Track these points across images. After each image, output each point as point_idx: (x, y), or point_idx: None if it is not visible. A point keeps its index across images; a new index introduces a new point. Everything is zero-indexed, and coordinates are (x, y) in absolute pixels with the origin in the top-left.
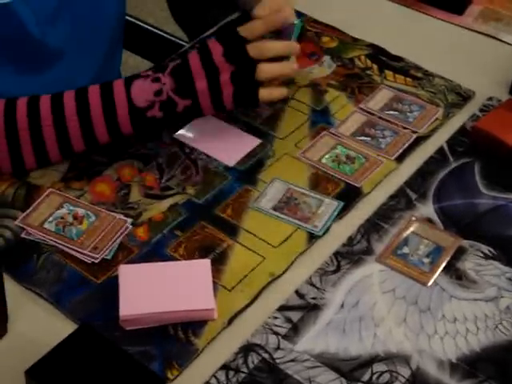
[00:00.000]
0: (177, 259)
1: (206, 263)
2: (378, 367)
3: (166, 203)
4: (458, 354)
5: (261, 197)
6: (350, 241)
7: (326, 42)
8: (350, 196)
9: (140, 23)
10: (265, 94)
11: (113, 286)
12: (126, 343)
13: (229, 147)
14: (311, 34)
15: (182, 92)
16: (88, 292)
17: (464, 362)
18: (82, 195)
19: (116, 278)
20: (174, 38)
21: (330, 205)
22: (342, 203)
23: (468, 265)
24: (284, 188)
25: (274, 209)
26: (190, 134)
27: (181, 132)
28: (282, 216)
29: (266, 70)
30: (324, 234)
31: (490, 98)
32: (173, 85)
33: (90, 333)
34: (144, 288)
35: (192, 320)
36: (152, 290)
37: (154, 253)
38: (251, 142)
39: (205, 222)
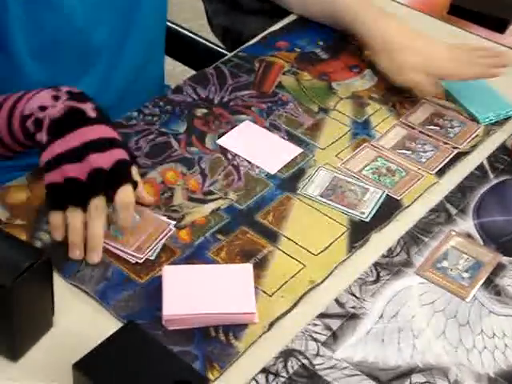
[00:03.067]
0: (218, 263)
1: (247, 268)
2: (417, 378)
3: (208, 207)
4: (496, 368)
5: (308, 184)
6: (390, 252)
7: (367, 55)
8: (389, 208)
9: (180, 29)
10: None
11: (156, 285)
12: (169, 342)
13: (271, 155)
14: (353, 47)
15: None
16: (132, 291)
17: (502, 377)
18: None
19: (159, 278)
20: (215, 46)
21: (375, 193)
22: (386, 192)
23: (507, 281)
24: (330, 176)
25: (321, 196)
26: (233, 141)
27: (224, 138)
28: (329, 202)
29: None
30: (371, 220)
31: None
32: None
33: (136, 330)
34: (187, 289)
35: (233, 323)
36: (195, 292)
37: (197, 255)
38: (293, 151)
39: (246, 227)
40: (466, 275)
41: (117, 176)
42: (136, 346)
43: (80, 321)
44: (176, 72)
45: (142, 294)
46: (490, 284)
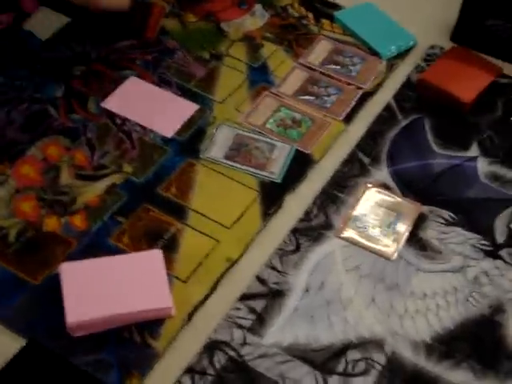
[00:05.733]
0: (122, 249)
1: (157, 254)
2: (352, 355)
3: (101, 185)
4: (431, 333)
5: (210, 145)
6: (307, 215)
7: None
8: (300, 165)
9: None
10: None
11: (54, 286)
12: (77, 352)
13: (165, 115)
14: None
15: None
16: (27, 295)
17: (439, 342)
18: (5, 181)
19: (56, 276)
20: None
21: (283, 148)
22: (295, 147)
23: (430, 233)
24: (232, 134)
25: (227, 158)
26: (119, 102)
27: (108, 100)
28: (236, 165)
29: None
30: (282, 181)
31: (432, 47)
32: None
33: (37, 349)
34: (91, 288)
35: (148, 320)
36: (100, 290)
37: (96, 244)
38: (189, 108)
39: (148, 204)
40: (387, 231)
41: None
42: (39, 368)
43: None
44: None
45: (39, 299)
46: (414, 238)
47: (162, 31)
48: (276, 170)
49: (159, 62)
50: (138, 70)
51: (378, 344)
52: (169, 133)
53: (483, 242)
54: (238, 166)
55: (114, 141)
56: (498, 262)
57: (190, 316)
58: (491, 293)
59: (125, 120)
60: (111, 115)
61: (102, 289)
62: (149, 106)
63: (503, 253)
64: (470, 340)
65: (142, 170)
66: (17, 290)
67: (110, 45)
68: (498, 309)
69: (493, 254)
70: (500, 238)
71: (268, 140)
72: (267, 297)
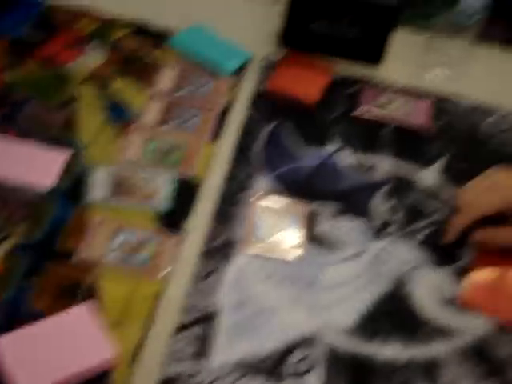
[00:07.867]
0: (46, 311)
1: (83, 309)
2: (295, 357)
3: None
4: (354, 317)
5: (91, 189)
6: (210, 236)
7: (83, 27)
8: (188, 189)
9: None
10: None
11: None
12: None
13: (37, 168)
14: (64, 23)
15: None
16: None
17: (364, 324)
18: None
19: None
20: None
21: (163, 176)
22: (174, 172)
23: (323, 227)
24: (110, 172)
25: (111, 196)
26: None
27: None
28: (123, 202)
29: None
30: (175, 208)
31: (267, 56)
32: None
33: None
34: (34, 357)
35: (95, 374)
36: (42, 357)
37: (17, 312)
38: (60, 155)
39: (53, 260)
40: (286, 235)
41: None
42: None
43: None
44: None
45: None
46: (311, 235)
47: (7, 85)
48: (162, 198)
49: (13, 116)
50: None
51: (314, 340)
52: (47, 183)
53: (368, 225)
54: (125, 202)
55: None
56: (386, 241)
57: (134, 358)
58: (390, 270)
59: None
60: None
61: (43, 356)
62: (15, 161)
63: (386, 232)
64: (388, 316)
65: (36, 228)
66: None
67: None
68: (400, 282)
69: (379, 234)
70: (379, 219)
71: (146, 171)
72: (200, 322)
